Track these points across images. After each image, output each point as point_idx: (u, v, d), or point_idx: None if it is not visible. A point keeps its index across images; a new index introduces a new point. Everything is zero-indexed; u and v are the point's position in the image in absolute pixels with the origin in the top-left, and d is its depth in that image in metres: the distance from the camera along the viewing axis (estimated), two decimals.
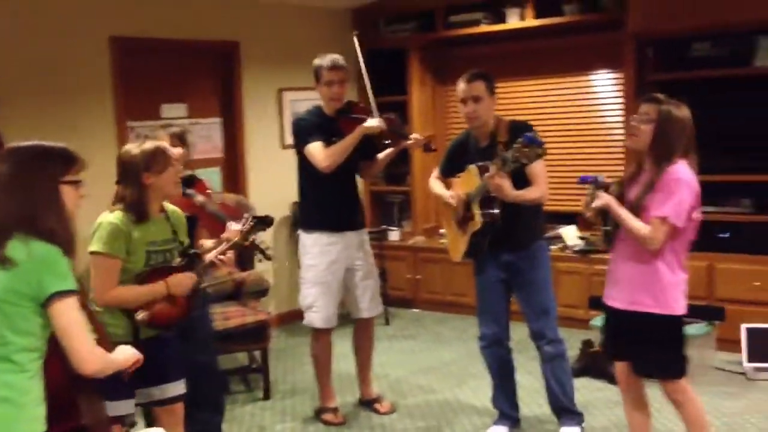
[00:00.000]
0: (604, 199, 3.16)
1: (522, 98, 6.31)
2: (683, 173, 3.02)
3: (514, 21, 6.06)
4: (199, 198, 3.54)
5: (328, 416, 4.36)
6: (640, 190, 3.10)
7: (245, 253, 5.18)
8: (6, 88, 4.64)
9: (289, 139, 6.40)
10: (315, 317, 4.29)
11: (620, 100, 5.71)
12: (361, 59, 4.33)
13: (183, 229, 3.17)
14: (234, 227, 3.53)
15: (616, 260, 3.24)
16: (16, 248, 2.09)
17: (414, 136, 4.26)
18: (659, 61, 5.42)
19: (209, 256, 3.15)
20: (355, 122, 4.10)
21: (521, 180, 3.59)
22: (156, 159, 2.98)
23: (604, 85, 5.98)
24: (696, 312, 4.79)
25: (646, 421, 3.34)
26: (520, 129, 3.66)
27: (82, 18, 5.09)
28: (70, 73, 5.04)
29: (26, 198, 2.14)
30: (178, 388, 3.12)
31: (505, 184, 3.47)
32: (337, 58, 4.17)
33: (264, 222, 3.31)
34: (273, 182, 6.22)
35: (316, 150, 4.07)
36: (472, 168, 3.69)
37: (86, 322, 2.21)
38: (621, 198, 3.16)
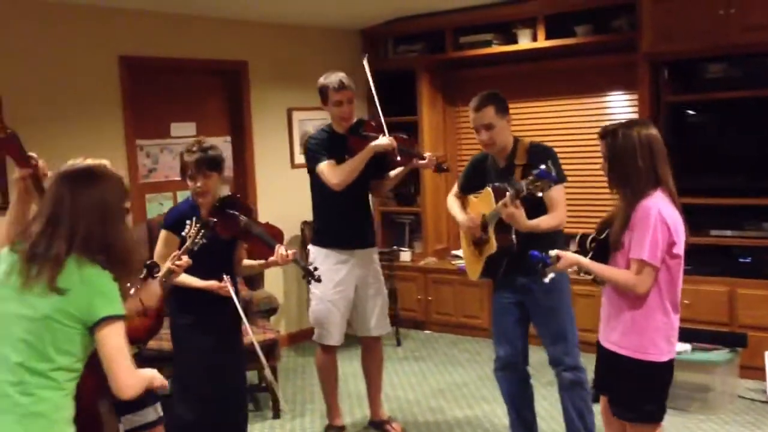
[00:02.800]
0: (568, 260, 2.97)
1: (534, 120, 6.26)
2: (655, 208, 2.81)
3: (525, 42, 6.04)
4: (243, 219, 3.46)
5: None
6: (617, 226, 2.93)
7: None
8: (17, 107, 4.61)
9: (299, 159, 6.44)
10: (322, 334, 4.27)
11: None
12: (371, 81, 4.32)
13: None
14: (281, 251, 3.48)
15: (604, 295, 3.09)
16: (68, 275, 2.08)
17: (427, 155, 4.21)
18: (674, 82, 5.38)
19: (166, 264, 3.11)
20: (366, 141, 4.08)
21: (539, 205, 3.51)
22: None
23: (619, 107, 5.93)
24: (718, 339, 4.71)
25: None
26: (538, 153, 3.59)
27: (93, 37, 5.08)
28: (80, 91, 5.02)
29: (103, 219, 2.13)
30: (158, 410, 3.08)
31: (518, 214, 3.38)
32: (343, 77, 4.14)
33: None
34: (282, 201, 6.18)
35: (326, 169, 4.08)
36: (489, 190, 3.61)
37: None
38: (602, 236, 3.01)
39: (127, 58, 5.23)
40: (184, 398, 3.43)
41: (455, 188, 4.04)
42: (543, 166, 3.23)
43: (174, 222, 3.42)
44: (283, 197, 6.21)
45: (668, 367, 2.95)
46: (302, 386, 5.27)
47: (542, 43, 5.92)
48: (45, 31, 4.85)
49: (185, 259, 3.12)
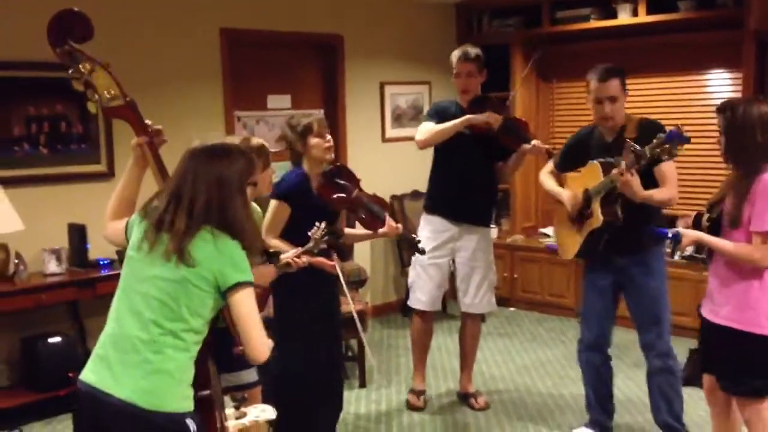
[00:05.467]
0: (690, 237, 3.03)
1: (631, 97, 6.05)
2: None
3: (625, 17, 5.89)
4: (354, 190, 3.50)
5: (410, 397, 4.46)
6: (734, 201, 2.93)
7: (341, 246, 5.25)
8: (123, 77, 4.77)
9: (390, 132, 6.50)
10: (414, 298, 4.40)
11: None
12: (527, 70, 4.40)
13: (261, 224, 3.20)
14: (391, 222, 3.51)
15: (711, 270, 3.09)
16: (202, 243, 2.18)
17: (534, 142, 4.18)
18: None
19: (285, 257, 3.12)
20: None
21: (648, 180, 3.44)
22: (260, 158, 2.99)
23: (721, 85, 5.73)
24: None
25: None
26: (651, 128, 3.50)
27: (196, 11, 5.24)
28: (182, 63, 5.19)
29: (220, 194, 2.22)
30: (251, 375, 3.19)
31: (635, 182, 3.34)
32: (468, 49, 4.20)
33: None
34: (373, 175, 6.19)
35: (420, 126, 4.21)
36: (595, 164, 3.56)
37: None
38: (713, 211, 3.01)
39: (228, 30, 5.37)
40: (285, 364, 3.46)
41: (549, 165, 3.99)
42: (673, 128, 3.14)
43: (286, 192, 3.43)
44: (373, 170, 6.24)
45: None
46: (387, 358, 5.36)
47: (643, 18, 5.76)
48: (152, 4, 5.02)
49: (304, 259, 3.11)
